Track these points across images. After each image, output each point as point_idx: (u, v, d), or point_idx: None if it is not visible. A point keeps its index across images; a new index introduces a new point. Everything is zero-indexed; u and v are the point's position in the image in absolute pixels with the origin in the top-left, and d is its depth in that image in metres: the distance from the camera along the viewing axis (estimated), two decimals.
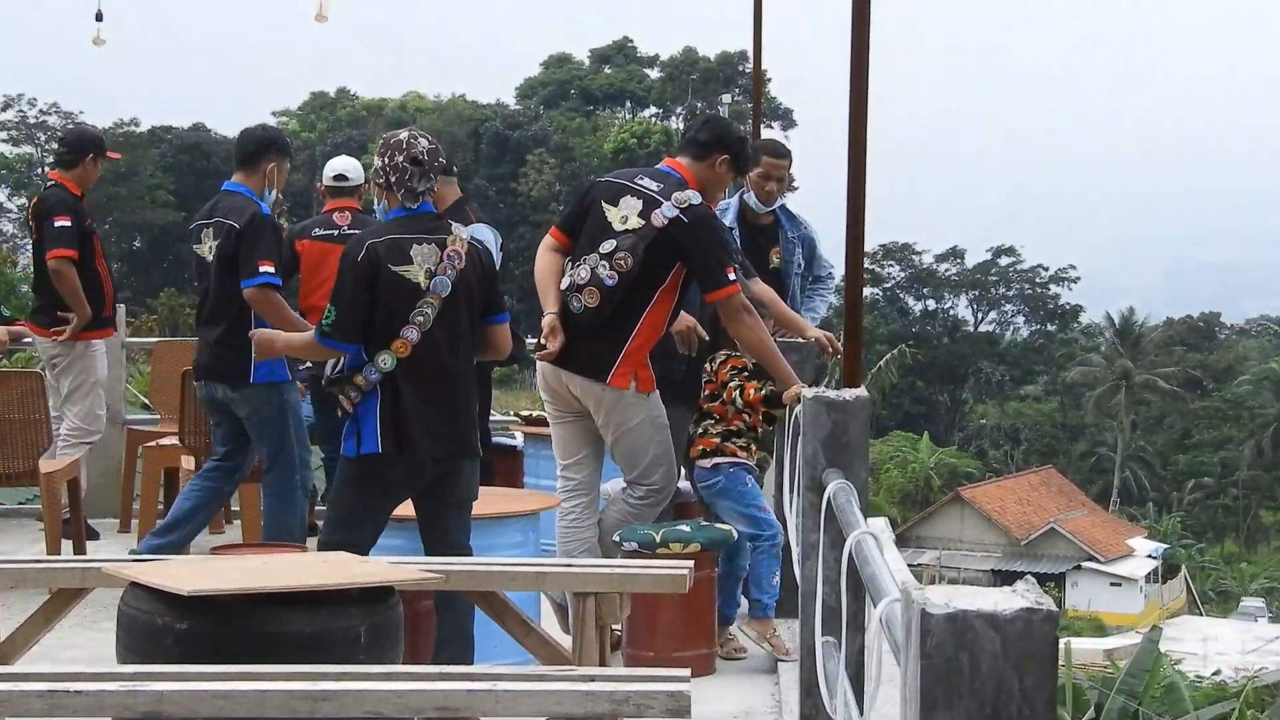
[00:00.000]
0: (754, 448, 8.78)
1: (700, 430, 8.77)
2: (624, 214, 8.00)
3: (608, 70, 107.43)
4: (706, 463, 8.68)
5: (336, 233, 11.04)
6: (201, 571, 5.54)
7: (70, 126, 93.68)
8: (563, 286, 8.06)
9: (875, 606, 3.73)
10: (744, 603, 8.87)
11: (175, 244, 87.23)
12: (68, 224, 11.05)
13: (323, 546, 7.24)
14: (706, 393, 8.81)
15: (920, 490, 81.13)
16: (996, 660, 2.72)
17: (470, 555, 7.27)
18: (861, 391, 6.21)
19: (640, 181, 8.11)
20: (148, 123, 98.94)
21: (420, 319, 7.22)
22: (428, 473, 7.34)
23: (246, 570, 5.59)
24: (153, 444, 11.55)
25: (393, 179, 7.36)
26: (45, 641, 6.76)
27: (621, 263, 7.92)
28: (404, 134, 7.47)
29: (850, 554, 4.64)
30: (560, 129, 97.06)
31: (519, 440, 11.78)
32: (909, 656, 2.81)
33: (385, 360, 7.23)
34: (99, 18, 15.01)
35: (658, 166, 8.33)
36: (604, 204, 8.09)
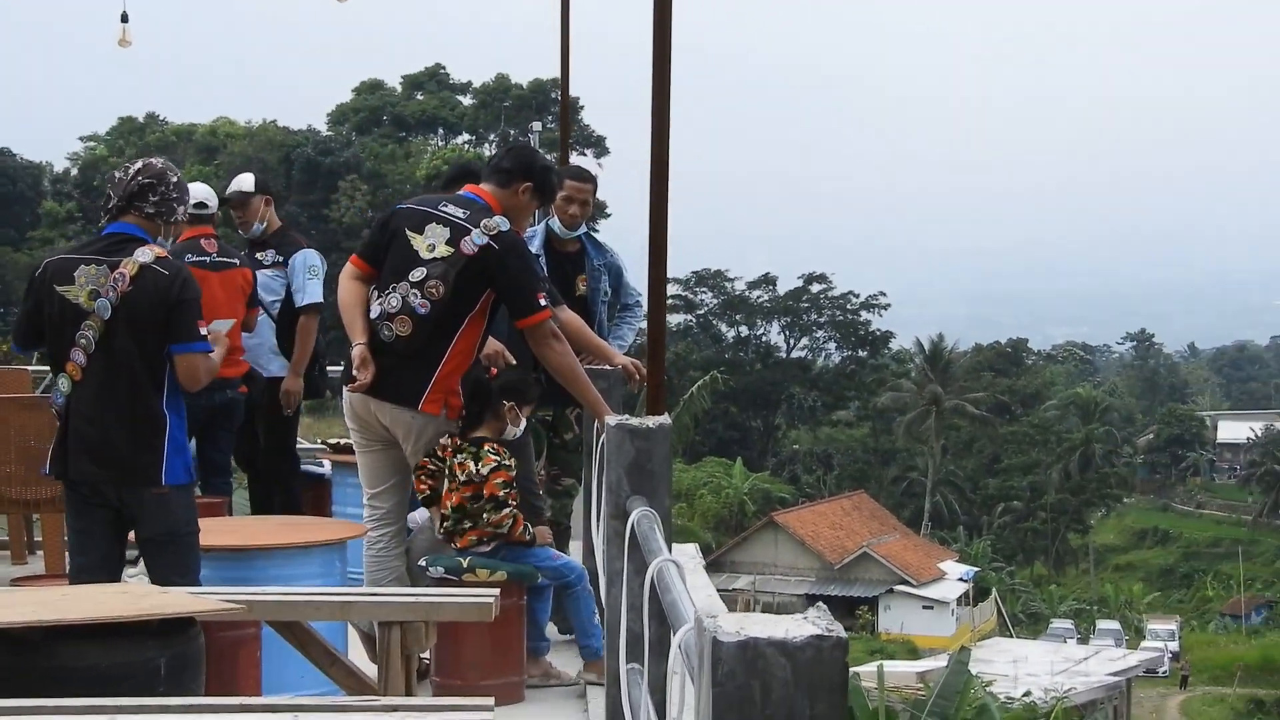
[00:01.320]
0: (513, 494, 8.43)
1: (459, 530, 8.30)
2: (431, 242, 7.97)
3: (420, 96, 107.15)
4: (484, 549, 8.42)
5: (209, 259, 11.04)
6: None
7: None
8: (372, 315, 8.02)
9: (675, 634, 3.75)
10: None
11: None
12: None
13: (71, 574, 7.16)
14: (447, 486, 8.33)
15: (734, 515, 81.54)
16: (787, 688, 2.74)
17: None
18: (665, 419, 6.23)
19: (445, 209, 8.09)
20: None
21: (84, 341, 7.08)
22: (108, 500, 7.17)
23: (43, 602, 5.49)
24: None
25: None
26: None
27: (433, 290, 7.90)
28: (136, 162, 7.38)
29: (653, 581, 4.65)
30: (373, 155, 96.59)
31: (327, 468, 11.71)
32: (702, 683, 2.83)
33: (63, 383, 7.17)
34: (124, 18, 14.67)
35: (461, 193, 8.31)
36: (409, 232, 8.06)
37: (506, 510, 8.17)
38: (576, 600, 8.55)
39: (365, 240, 8.34)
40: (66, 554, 10.64)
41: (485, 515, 8.15)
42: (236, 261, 11.26)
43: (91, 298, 7.06)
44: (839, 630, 2.80)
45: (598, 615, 8.62)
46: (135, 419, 7.10)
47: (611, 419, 6.25)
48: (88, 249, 7.19)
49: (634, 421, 6.15)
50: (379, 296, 8.02)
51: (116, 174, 7.32)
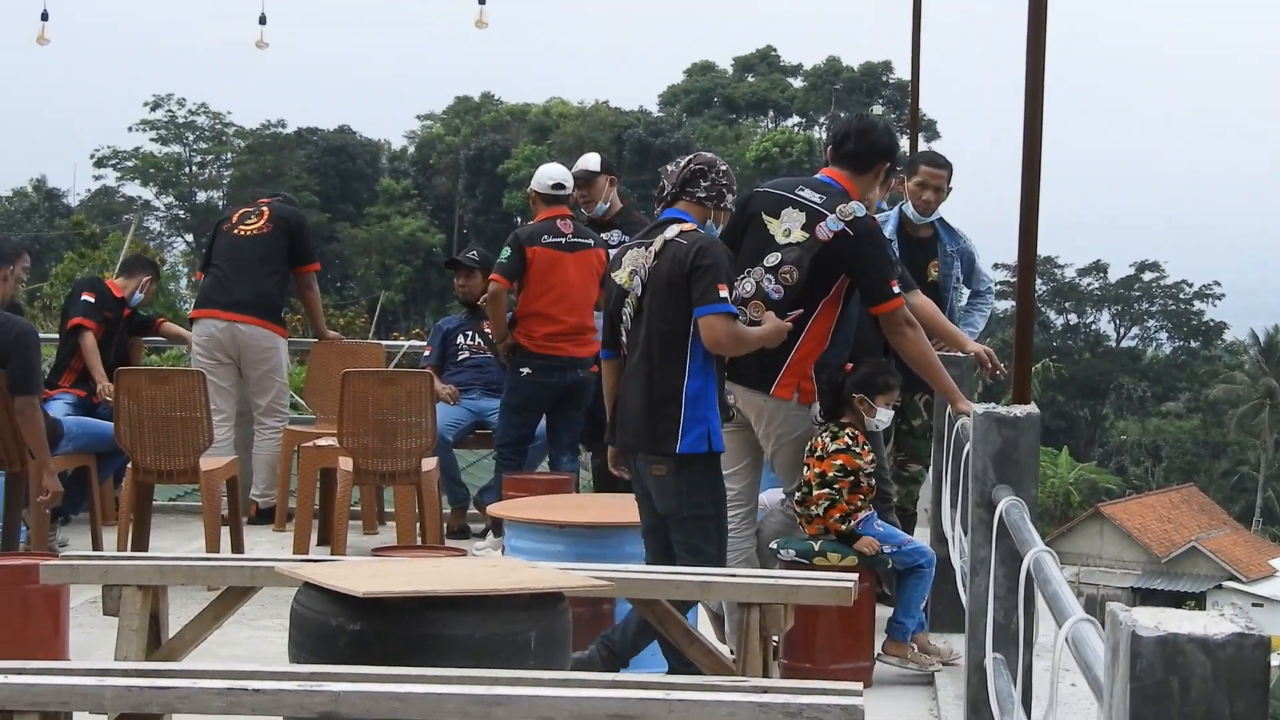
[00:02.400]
0: (867, 484, 8.42)
1: (805, 509, 8.35)
2: (787, 226, 7.99)
3: (751, 79, 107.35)
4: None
5: (564, 240, 11.32)
6: (372, 573, 5.58)
7: (217, 127, 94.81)
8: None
9: (1059, 626, 3.71)
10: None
11: (319, 244, 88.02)
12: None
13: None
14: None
15: (1059, 505, 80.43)
16: (1207, 685, 2.69)
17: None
18: (1032, 408, 6.17)
19: (801, 193, 8.09)
20: (294, 124, 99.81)
21: (624, 319, 7.49)
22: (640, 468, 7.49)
23: (416, 573, 5.62)
24: (310, 444, 11.66)
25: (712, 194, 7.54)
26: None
27: (787, 275, 7.92)
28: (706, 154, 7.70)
29: (1028, 571, 4.61)
30: (703, 137, 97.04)
31: None
32: (1116, 678, 2.79)
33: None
34: (262, 20, 15.19)
35: (817, 177, 8.30)
36: (765, 216, 8.08)
37: (826, 490, 8.15)
38: (919, 581, 8.49)
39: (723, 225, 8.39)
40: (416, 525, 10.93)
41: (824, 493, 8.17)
42: (591, 242, 11.43)
43: (630, 277, 7.42)
44: (1260, 629, 2.74)
45: (926, 602, 8.59)
46: (658, 390, 7.33)
47: (978, 407, 6.20)
48: (640, 235, 7.60)
49: (1001, 410, 6.11)
50: (735, 281, 8.05)
51: (669, 166, 7.66)
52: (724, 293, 7.23)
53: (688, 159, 7.60)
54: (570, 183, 11.60)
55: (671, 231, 7.38)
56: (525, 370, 11.43)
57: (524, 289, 11.40)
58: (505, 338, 11.49)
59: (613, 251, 11.50)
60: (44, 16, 15.14)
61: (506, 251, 11.40)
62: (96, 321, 12.21)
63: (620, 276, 7.49)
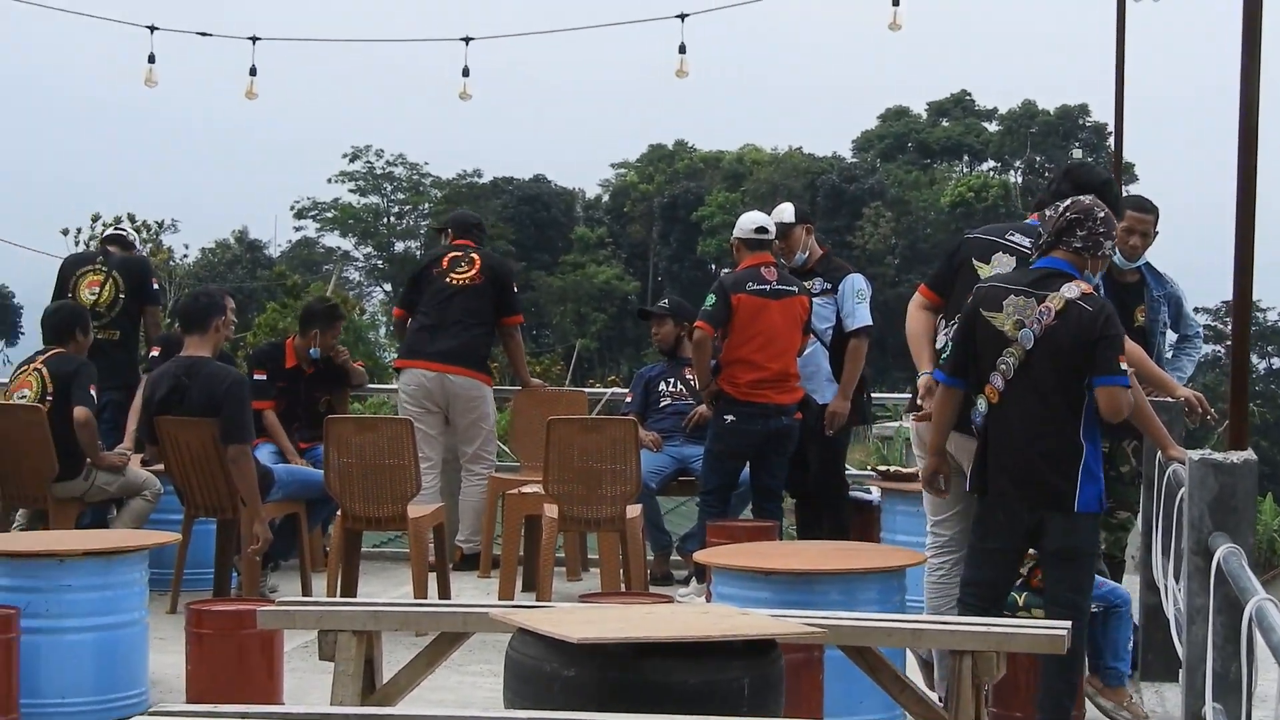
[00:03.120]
0: None
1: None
2: (996, 271, 7.94)
3: (945, 123, 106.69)
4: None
5: (768, 287, 11.35)
6: (585, 619, 5.61)
7: (414, 177, 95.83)
8: (938, 345, 8.04)
9: None
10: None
11: None
12: None
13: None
14: None
15: (1263, 553, 79.01)
16: None
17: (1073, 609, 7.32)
18: (1249, 454, 6.10)
19: (1012, 238, 8.06)
20: (490, 173, 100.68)
21: (1003, 367, 7.41)
22: (1020, 520, 7.48)
23: (629, 620, 5.65)
24: (515, 491, 11.75)
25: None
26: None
27: None
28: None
29: (1249, 619, 4.56)
30: (897, 182, 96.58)
31: (875, 495, 11.76)
32: None
33: (980, 404, 7.53)
34: (465, 73, 15.39)
35: (1027, 221, 8.26)
36: (975, 261, 8.04)
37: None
38: (1119, 622, 8.40)
39: (934, 270, 8.37)
40: (621, 571, 10.99)
41: None
42: (795, 289, 11.44)
43: (1016, 327, 7.39)
44: None
45: (1131, 643, 8.50)
46: (1052, 446, 7.37)
47: (1193, 454, 6.14)
48: (1019, 281, 7.54)
49: (1217, 456, 6.04)
50: (945, 326, 8.02)
51: (1047, 211, 7.66)
52: (1124, 364, 7.33)
53: (1064, 206, 7.56)
54: (773, 228, 11.63)
55: (1072, 291, 7.35)
56: (730, 418, 11.44)
57: (729, 336, 11.42)
58: (709, 385, 11.52)
59: (816, 299, 11.52)
60: (252, 71, 15.42)
61: (712, 299, 11.44)
62: (271, 398, 12.38)
63: (1003, 324, 7.43)
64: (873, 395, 12.03)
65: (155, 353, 12.51)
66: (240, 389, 10.54)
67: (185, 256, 47.51)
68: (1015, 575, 7.72)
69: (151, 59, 15.24)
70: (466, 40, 15.17)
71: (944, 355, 7.87)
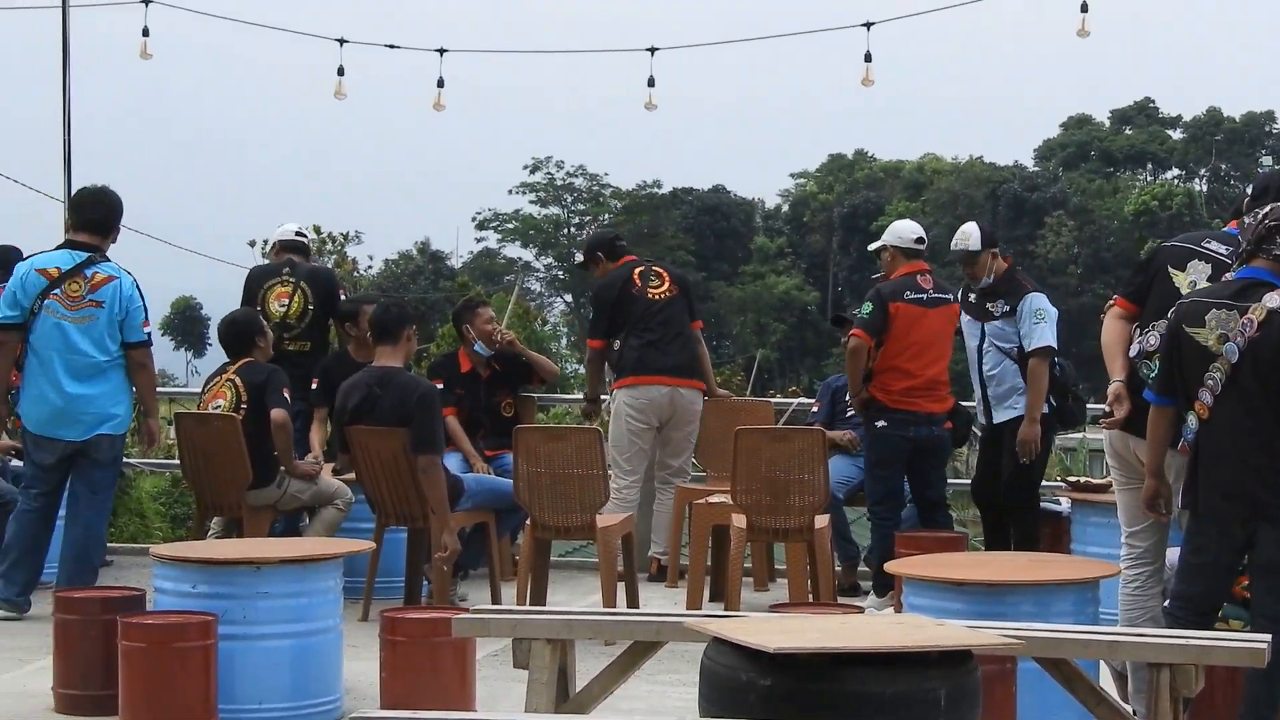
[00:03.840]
0: None
1: None
2: (1193, 279, 7.84)
3: (1129, 131, 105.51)
4: None
5: (925, 296, 11.41)
6: (781, 629, 5.61)
7: (594, 188, 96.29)
8: (1131, 354, 7.95)
9: None
10: None
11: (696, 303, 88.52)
12: None
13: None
14: None
15: None
16: None
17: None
18: None
19: (1209, 245, 7.95)
20: (669, 184, 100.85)
21: (1211, 382, 7.29)
22: (1234, 535, 7.35)
23: (825, 630, 5.64)
24: (702, 501, 11.76)
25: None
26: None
27: None
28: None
29: None
30: (1079, 191, 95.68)
31: (1065, 506, 11.64)
32: None
33: (1191, 420, 7.41)
34: (650, 83, 15.45)
35: (1225, 230, 8.15)
36: (1171, 269, 7.95)
37: None
38: None
39: (1128, 280, 8.28)
40: (808, 581, 10.96)
41: None
42: (951, 298, 11.51)
43: (1220, 341, 7.29)
44: None
45: None
46: (1262, 459, 7.28)
47: None
48: (1220, 294, 7.42)
49: None
50: (1140, 334, 7.93)
51: (1245, 219, 7.56)
52: None
53: (1264, 213, 7.44)
54: (925, 236, 11.75)
55: (1274, 301, 7.21)
56: (881, 423, 11.47)
57: (884, 344, 11.43)
58: (860, 392, 11.53)
59: (998, 321, 11.36)
60: (440, 83, 15.52)
61: (868, 307, 11.47)
62: (450, 405, 12.40)
63: (1206, 339, 7.31)
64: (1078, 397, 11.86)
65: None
66: (431, 399, 10.66)
67: (370, 268, 47.92)
68: (1227, 590, 7.56)
69: (341, 71, 15.42)
70: (652, 50, 15.23)
71: (1145, 370, 7.78)
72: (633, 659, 6.76)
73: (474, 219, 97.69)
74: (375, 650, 8.71)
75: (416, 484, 10.58)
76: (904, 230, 11.79)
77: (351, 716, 5.20)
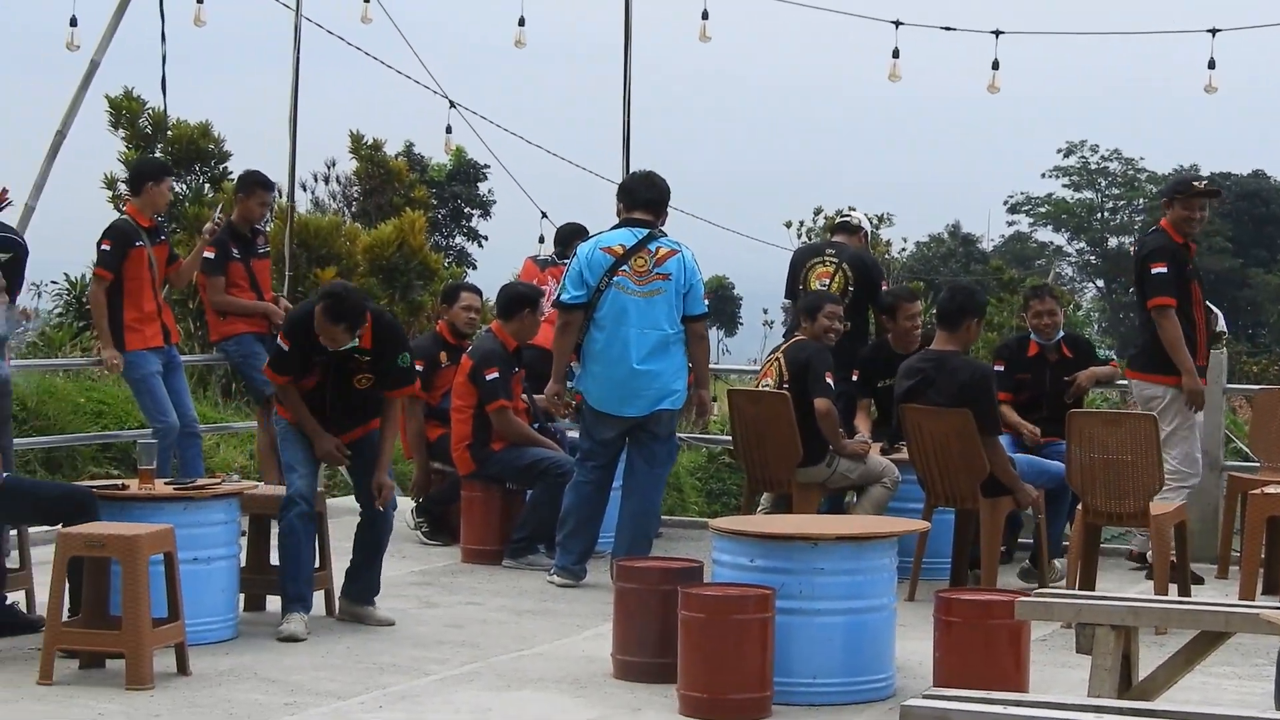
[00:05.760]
0: None
1: None
2: None
3: None
4: None
5: None
6: None
7: (1129, 172, 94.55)
8: None
9: None
10: None
11: (1232, 291, 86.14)
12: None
13: None
14: None
15: None
16: None
17: None
18: None
19: None
20: (1207, 169, 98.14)
21: None
22: None
23: None
24: (1256, 492, 11.45)
25: None
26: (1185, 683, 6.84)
27: None
28: None
29: None
30: None
31: None
32: None
33: None
34: (1211, 65, 15.07)
35: None
36: None
37: None
38: None
39: None
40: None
41: None
42: None
43: None
44: None
45: None
46: None
47: None
48: None
49: None
50: None
51: None
52: None
53: None
54: None
55: None
56: None
57: None
58: None
59: None
60: (994, 65, 15.37)
61: None
62: (1009, 389, 12.25)
63: None
64: None
65: None
66: (987, 381, 10.78)
67: (903, 250, 48.04)
68: None
69: (895, 54, 15.43)
70: (1213, 32, 14.83)
71: None
72: (1198, 649, 6.68)
73: (1005, 202, 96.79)
74: (924, 630, 8.76)
75: (967, 465, 10.65)
76: None
77: (925, 694, 5.24)
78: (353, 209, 30.15)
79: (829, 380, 11.41)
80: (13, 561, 9.93)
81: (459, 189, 38.22)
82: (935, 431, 10.73)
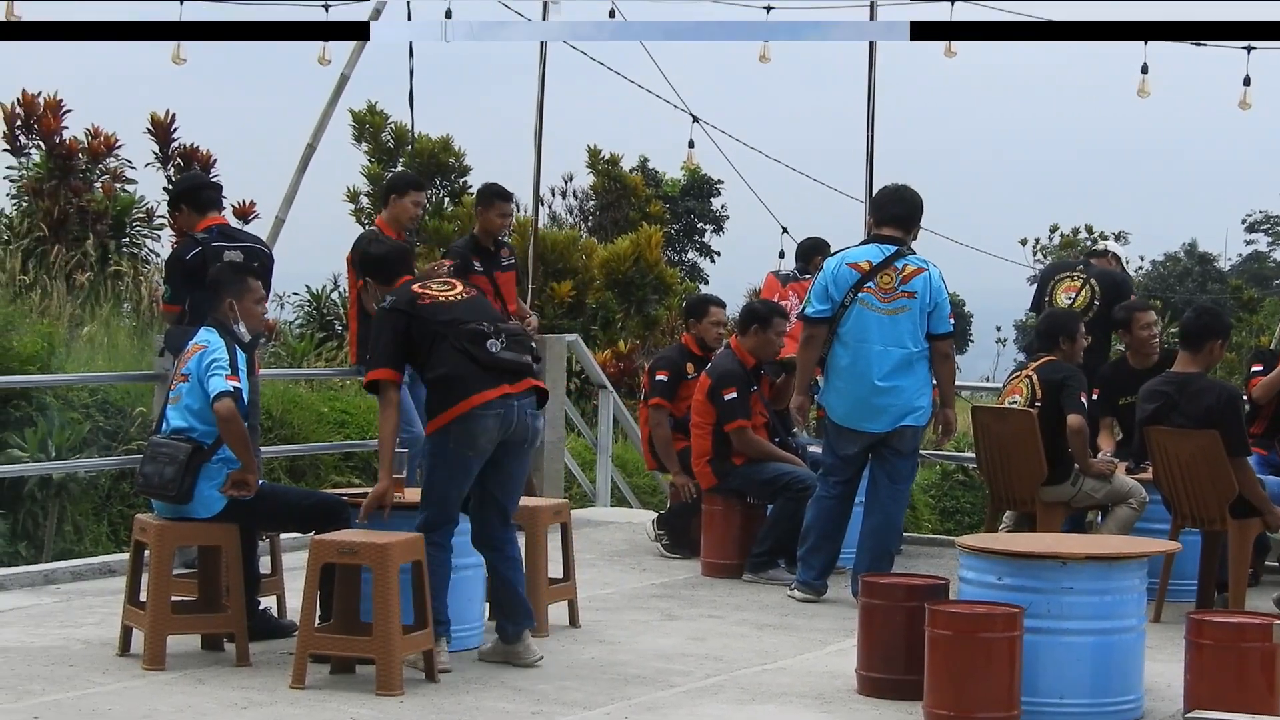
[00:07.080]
0: None
1: None
2: None
3: None
4: None
5: None
6: None
7: None
8: None
9: None
10: None
11: None
12: None
13: None
14: None
15: None
16: None
17: None
18: None
19: None
20: None
21: None
22: None
23: None
24: None
25: None
26: None
27: None
28: None
29: None
30: None
31: None
32: None
33: None
34: None
35: None
36: None
37: None
38: None
39: None
40: None
41: None
42: None
43: None
44: None
45: None
46: None
47: None
48: None
49: None
50: None
51: None
52: None
53: None
54: None
55: None
56: None
57: None
58: None
59: None
60: (1246, 81, 15.17)
61: None
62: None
63: None
64: None
65: None
66: (1234, 403, 10.63)
67: (1140, 268, 47.39)
68: None
69: (1144, 69, 15.21)
70: None
71: None
72: None
73: (1244, 220, 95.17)
74: (1171, 652, 8.68)
75: (1215, 487, 10.52)
76: None
77: (1188, 715, 5.19)
78: (589, 223, 30.41)
79: (1083, 399, 11.31)
80: (264, 567, 10.17)
81: (692, 204, 38.26)
82: (1181, 453, 10.59)
